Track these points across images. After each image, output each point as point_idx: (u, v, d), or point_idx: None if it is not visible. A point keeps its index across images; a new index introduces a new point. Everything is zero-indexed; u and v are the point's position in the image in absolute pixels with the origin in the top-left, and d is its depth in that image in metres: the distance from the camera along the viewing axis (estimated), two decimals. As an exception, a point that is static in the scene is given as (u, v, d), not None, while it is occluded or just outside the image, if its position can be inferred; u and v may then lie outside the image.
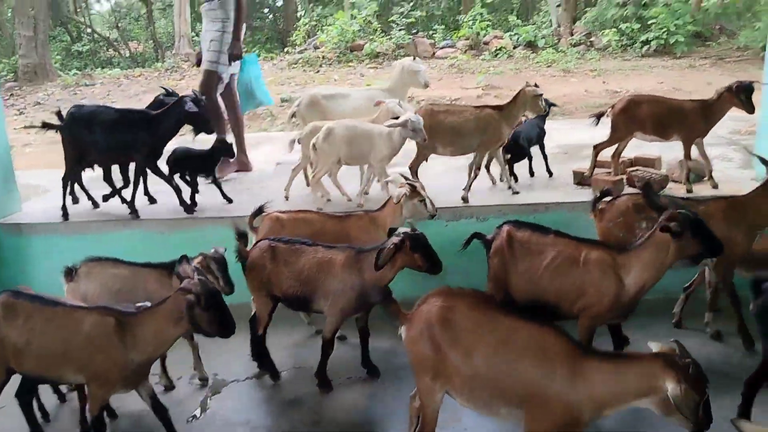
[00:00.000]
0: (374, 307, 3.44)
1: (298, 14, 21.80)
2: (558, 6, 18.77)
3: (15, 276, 4.46)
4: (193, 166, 4.82)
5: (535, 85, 4.65)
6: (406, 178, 3.88)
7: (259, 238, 3.75)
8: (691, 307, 4.13)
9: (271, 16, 27.24)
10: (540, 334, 2.54)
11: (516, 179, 5.03)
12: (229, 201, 4.81)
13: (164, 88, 4.94)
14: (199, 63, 5.65)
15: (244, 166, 5.73)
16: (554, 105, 5.15)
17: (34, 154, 9.43)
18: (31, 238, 4.49)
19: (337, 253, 3.39)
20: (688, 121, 4.58)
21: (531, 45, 16.84)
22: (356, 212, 4.03)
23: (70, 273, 3.46)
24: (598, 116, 4.84)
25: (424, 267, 3.22)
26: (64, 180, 4.64)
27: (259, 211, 3.89)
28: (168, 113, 4.46)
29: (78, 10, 25.91)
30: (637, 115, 4.64)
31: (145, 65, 20.12)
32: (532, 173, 5.23)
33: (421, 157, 4.68)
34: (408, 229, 3.26)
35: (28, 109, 13.44)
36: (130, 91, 14.72)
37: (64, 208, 4.61)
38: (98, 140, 4.46)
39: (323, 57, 16.67)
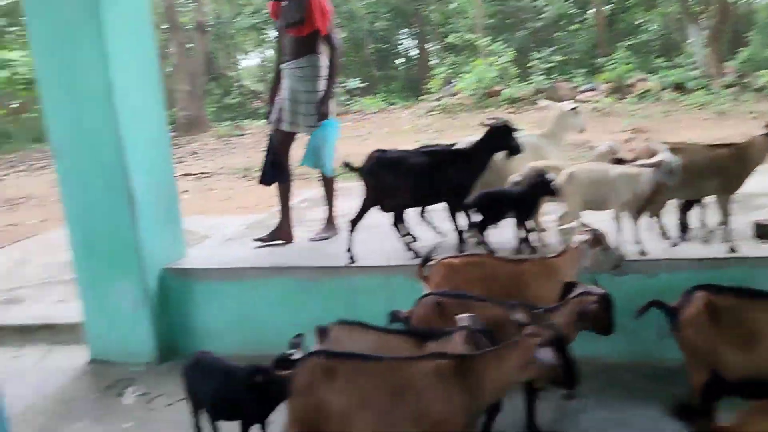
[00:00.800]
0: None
1: (430, 63, 22.19)
2: (704, 47, 17.76)
3: (180, 320, 4.66)
4: (514, 209, 4.32)
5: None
6: (586, 226, 3.66)
7: (433, 286, 3.60)
8: None
9: (405, 66, 27.97)
10: None
11: (686, 229, 4.61)
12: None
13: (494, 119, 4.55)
14: (269, 122, 5.29)
15: (288, 236, 5.25)
16: None
17: (190, 201, 10.10)
18: (194, 283, 4.67)
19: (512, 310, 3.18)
20: None
21: (679, 87, 15.96)
22: (531, 257, 3.83)
23: (324, 333, 3.12)
24: None
25: (603, 328, 3.04)
26: (353, 222, 4.48)
27: (428, 258, 3.77)
28: (481, 146, 4.35)
29: (229, 65, 28.05)
30: None
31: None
32: (702, 224, 4.78)
33: (658, 204, 4.35)
34: (593, 287, 3.06)
35: (186, 158, 14.51)
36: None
37: (349, 250, 4.48)
38: (407, 184, 4.35)
39: (461, 104, 16.77)
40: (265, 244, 5.09)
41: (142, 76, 4.55)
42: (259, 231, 5.34)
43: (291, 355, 2.93)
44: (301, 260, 4.72)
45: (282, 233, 5.16)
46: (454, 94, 17.69)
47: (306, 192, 7.26)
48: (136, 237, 4.44)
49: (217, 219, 7.91)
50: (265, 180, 5.14)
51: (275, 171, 5.10)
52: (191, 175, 12.24)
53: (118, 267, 4.50)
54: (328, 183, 5.32)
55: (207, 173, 12.49)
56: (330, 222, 5.32)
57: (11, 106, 23.44)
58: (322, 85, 5.00)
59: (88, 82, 4.27)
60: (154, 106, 4.70)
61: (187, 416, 3.37)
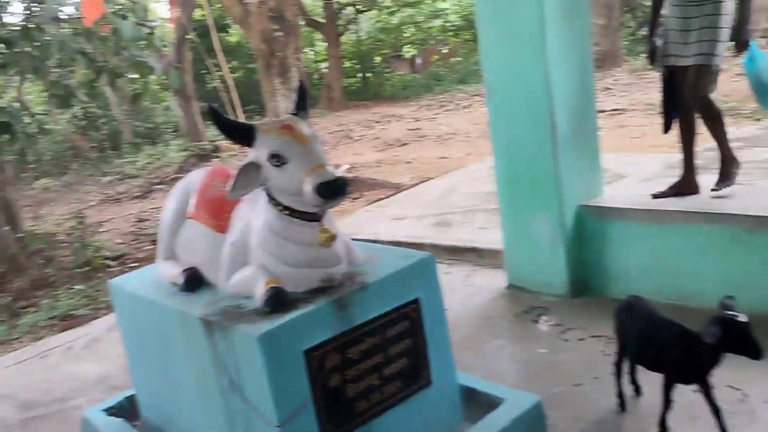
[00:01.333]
0: None
1: None
2: None
3: (593, 257, 4.66)
4: None
5: None
6: None
7: None
8: None
9: None
10: None
11: None
12: None
13: None
14: (653, 59, 4.46)
15: (693, 188, 4.53)
16: None
17: (602, 138, 9.87)
18: (610, 222, 4.58)
19: None
20: None
21: None
22: None
23: None
24: None
25: None
26: None
27: None
28: None
29: (648, -6, 26.17)
30: None
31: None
32: None
33: None
34: None
35: (598, 94, 14.23)
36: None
37: None
38: None
39: None
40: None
41: (571, 11, 4.52)
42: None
43: (735, 317, 2.64)
44: (735, 207, 4.21)
45: (686, 185, 4.53)
46: None
47: (735, 131, 6.43)
48: (557, 172, 4.53)
49: (631, 157, 7.62)
50: (666, 128, 4.60)
51: (670, 115, 4.52)
52: (604, 111, 11.95)
53: (539, 200, 4.68)
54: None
55: (620, 110, 12.04)
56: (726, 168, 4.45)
57: (443, 51, 26.22)
58: (727, 6, 4.14)
59: (521, 19, 4.42)
60: (581, 40, 4.64)
61: (599, 354, 3.39)
